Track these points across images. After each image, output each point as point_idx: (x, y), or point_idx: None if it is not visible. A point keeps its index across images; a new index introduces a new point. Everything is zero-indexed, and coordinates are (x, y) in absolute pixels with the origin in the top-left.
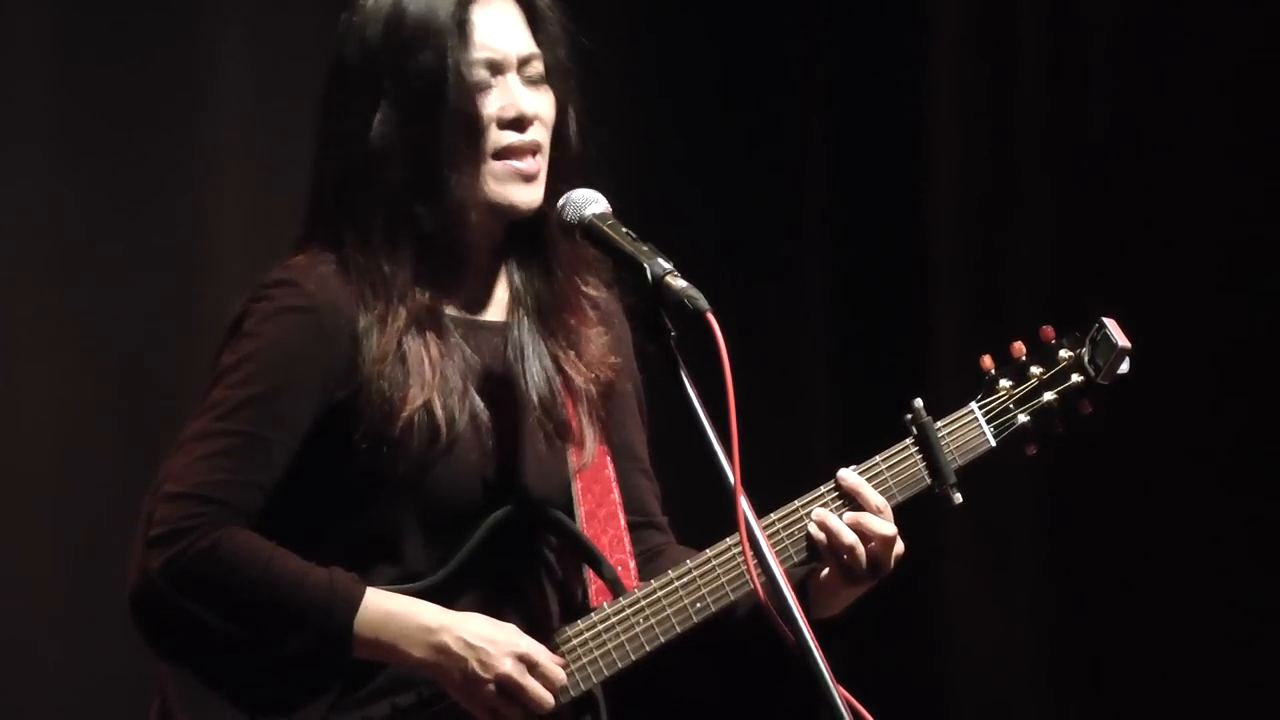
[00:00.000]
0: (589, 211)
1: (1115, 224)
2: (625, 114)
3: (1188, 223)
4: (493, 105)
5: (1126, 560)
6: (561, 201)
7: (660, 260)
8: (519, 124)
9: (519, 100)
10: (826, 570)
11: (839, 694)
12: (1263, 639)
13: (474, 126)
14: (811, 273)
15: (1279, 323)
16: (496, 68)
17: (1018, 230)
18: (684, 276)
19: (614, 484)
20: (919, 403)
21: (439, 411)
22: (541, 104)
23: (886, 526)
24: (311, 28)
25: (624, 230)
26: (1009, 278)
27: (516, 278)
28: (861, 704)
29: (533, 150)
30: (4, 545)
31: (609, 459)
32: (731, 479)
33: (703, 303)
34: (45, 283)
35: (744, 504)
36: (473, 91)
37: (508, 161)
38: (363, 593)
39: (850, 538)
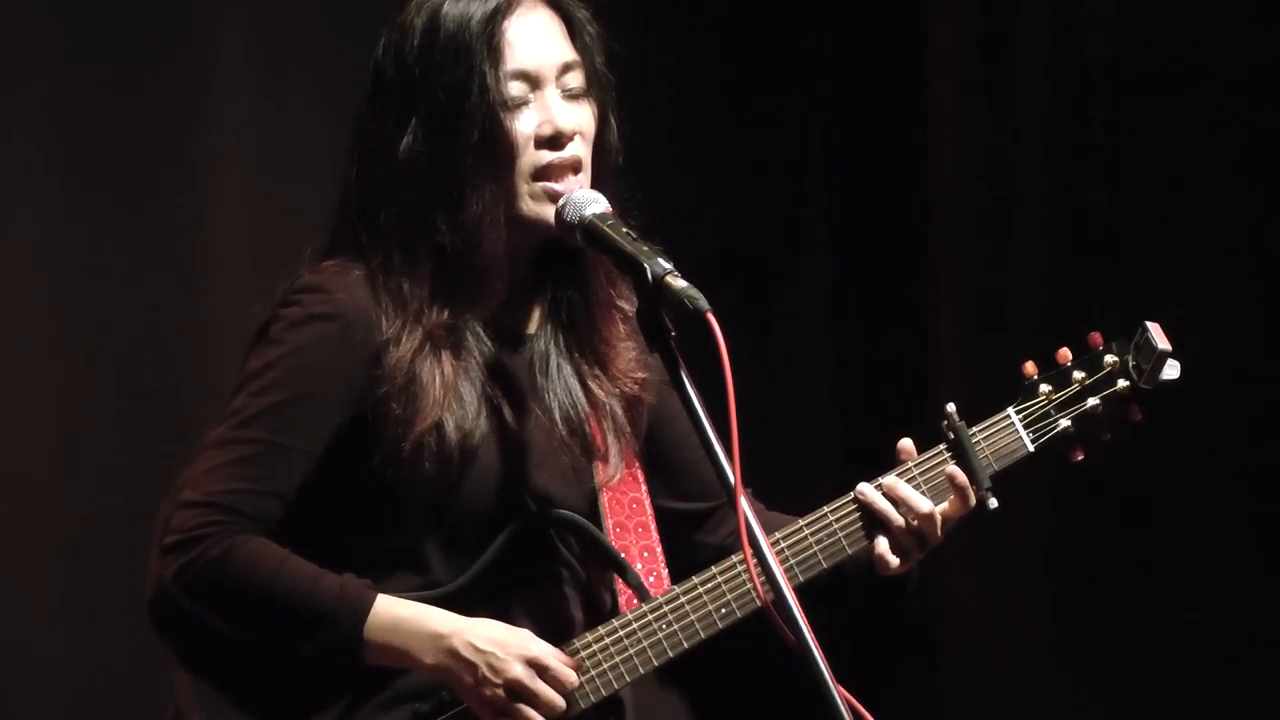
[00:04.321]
0: (589, 211)
1: (1116, 225)
2: (625, 113)
3: (1189, 224)
4: (529, 123)
5: (1127, 560)
6: (562, 202)
7: (660, 260)
8: (556, 141)
9: (556, 116)
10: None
11: (839, 694)
12: (1265, 639)
13: (503, 145)
14: (812, 273)
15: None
16: (533, 81)
17: (1018, 231)
18: (684, 277)
19: (645, 498)
20: (952, 407)
21: (451, 432)
22: (581, 117)
23: (925, 503)
24: (312, 28)
25: (624, 230)
26: (1009, 279)
27: (552, 291)
28: (861, 704)
29: (573, 167)
30: (4, 545)
31: (641, 474)
32: (731, 479)
33: (703, 303)
34: (46, 283)
35: (744, 504)
36: (503, 110)
37: (546, 183)
38: (373, 599)
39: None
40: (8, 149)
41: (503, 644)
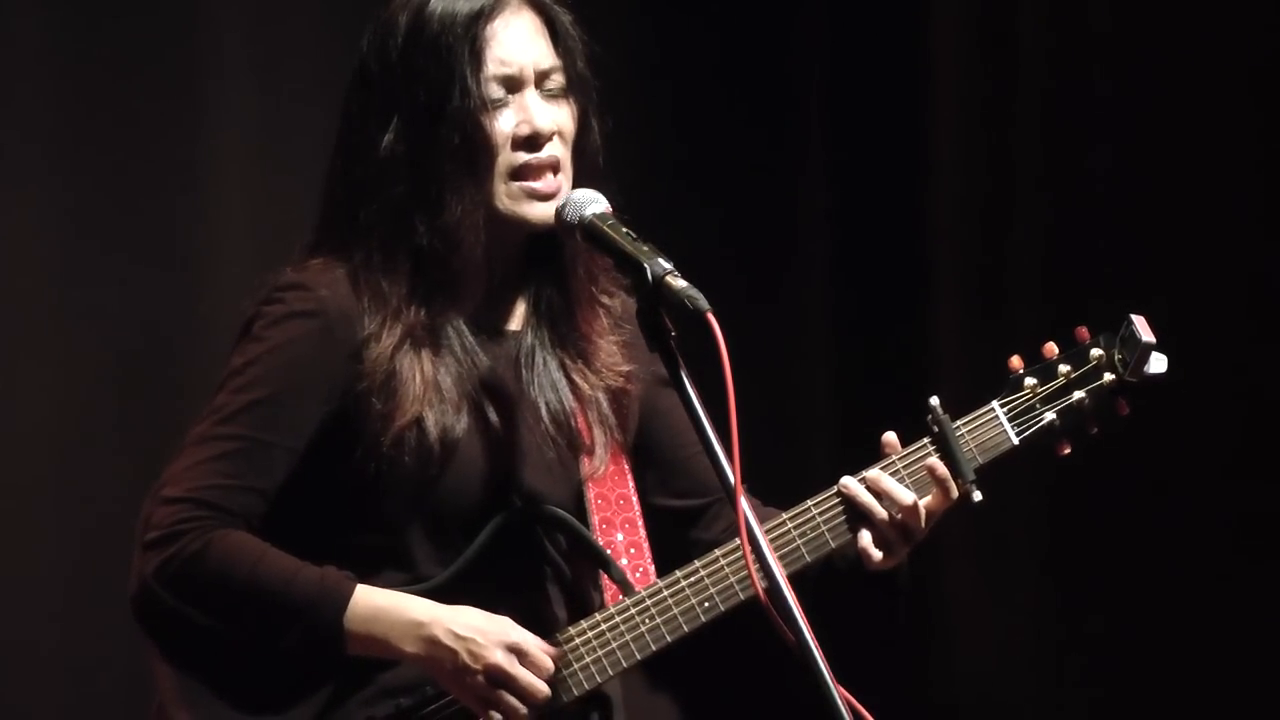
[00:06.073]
0: (589, 211)
1: (1115, 225)
2: (624, 115)
3: (1188, 223)
4: (507, 123)
5: (1127, 559)
6: (562, 202)
7: (660, 260)
8: (534, 142)
9: (534, 117)
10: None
11: (839, 694)
12: (1264, 637)
13: (483, 147)
14: (812, 273)
15: (1278, 318)
16: (513, 84)
17: (1018, 231)
18: (684, 276)
19: (633, 493)
20: (935, 401)
21: (431, 427)
22: (560, 117)
23: (907, 494)
24: (312, 28)
25: (624, 230)
26: (1009, 279)
27: (535, 287)
28: (862, 704)
29: (551, 167)
30: (4, 545)
31: (627, 467)
32: (731, 478)
33: (703, 303)
34: (45, 283)
35: (744, 504)
36: (482, 111)
37: (523, 182)
38: (353, 589)
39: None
40: (8, 149)
41: (483, 630)
